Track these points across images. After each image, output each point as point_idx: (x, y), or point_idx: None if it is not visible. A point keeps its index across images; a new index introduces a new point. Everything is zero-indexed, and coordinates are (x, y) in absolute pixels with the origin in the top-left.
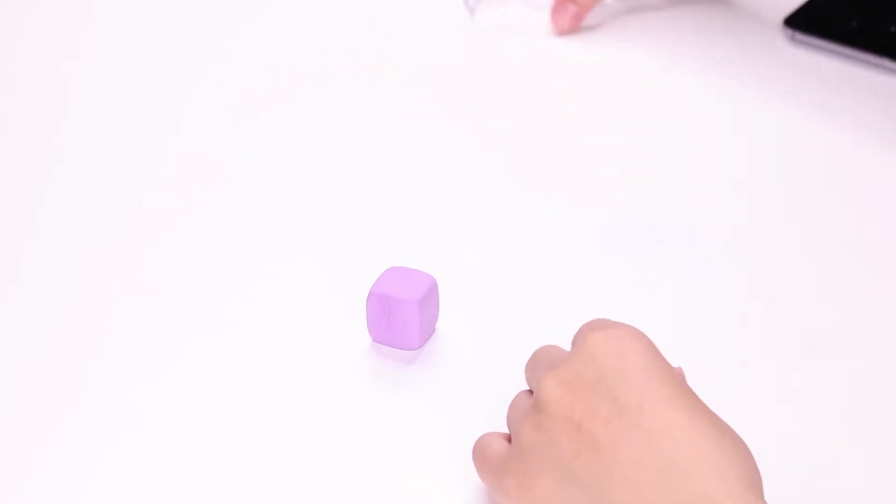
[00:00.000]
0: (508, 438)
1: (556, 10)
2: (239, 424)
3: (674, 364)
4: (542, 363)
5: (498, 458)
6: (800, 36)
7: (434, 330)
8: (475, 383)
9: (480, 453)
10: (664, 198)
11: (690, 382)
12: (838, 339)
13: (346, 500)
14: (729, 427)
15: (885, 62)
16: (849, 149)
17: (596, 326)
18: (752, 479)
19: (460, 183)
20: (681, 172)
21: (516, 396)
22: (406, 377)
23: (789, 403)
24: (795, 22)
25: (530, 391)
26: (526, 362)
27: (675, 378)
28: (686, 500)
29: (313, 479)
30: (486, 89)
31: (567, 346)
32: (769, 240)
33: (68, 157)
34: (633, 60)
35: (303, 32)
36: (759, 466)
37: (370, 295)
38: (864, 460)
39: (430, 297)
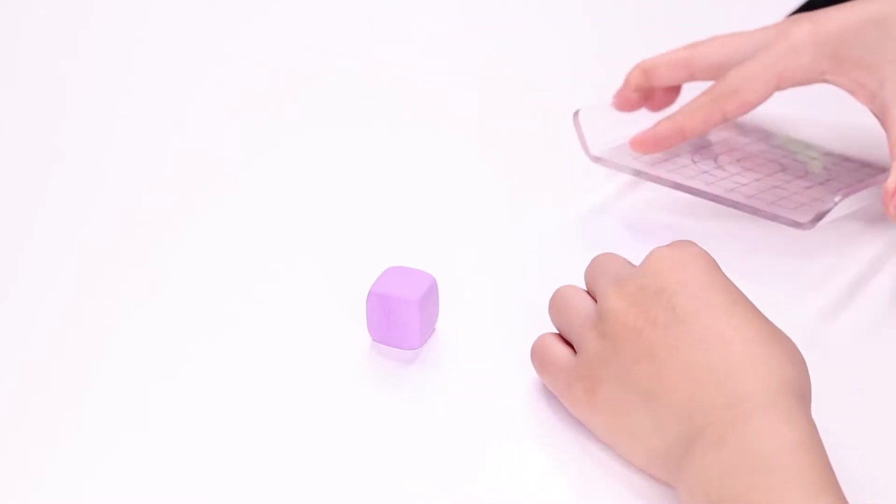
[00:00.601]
0: (560, 338)
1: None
2: (239, 424)
3: None
4: (605, 272)
5: (564, 365)
6: None
7: (434, 330)
8: (475, 383)
9: (543, 359)
10: (664, 198)
11: None
12: (839, 338)
13: (347, 500)
14: (784, 335)
15: None
16: (848, 147)
17: (663, 246)
18: (795, 383)
19: (460, 183)
20: None
21: (564, 291)
22: (406, 377)
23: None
24: None
25: (584, 291)
26: (586, 269)
27: (734, 290)
28: (724, 399)
29: (313, 478)
30: (486, 89)
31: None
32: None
33: (68, 157)
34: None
35: (303, 32)
36: None
37: (370, 295)
38: (863, 456)
39: (430, 297)
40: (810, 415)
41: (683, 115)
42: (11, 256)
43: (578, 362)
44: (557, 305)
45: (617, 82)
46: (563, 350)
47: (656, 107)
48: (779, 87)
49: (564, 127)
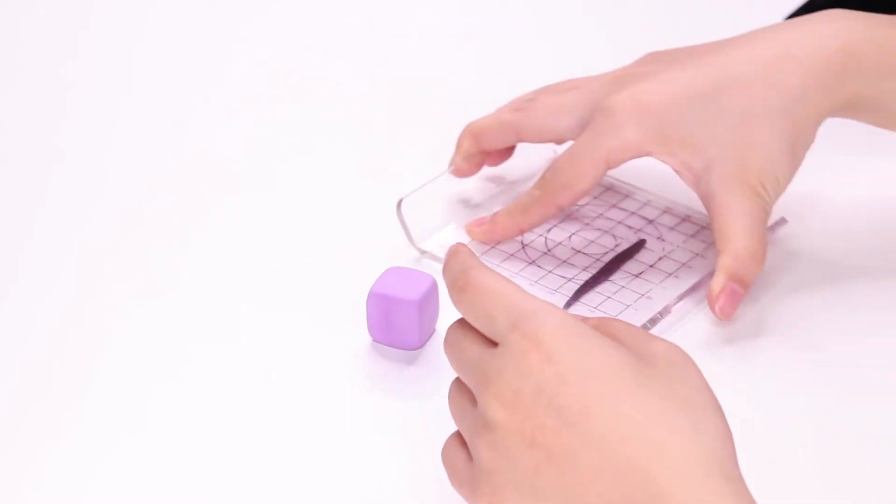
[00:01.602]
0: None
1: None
2: (239, 424)
3: None
4: (468, 364)
5: (466, 474)
6: None
7: (434, 330)
8: None
9: (450, 466)
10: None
11: None
12: (838, 340)
13: (346, 500)
14: (682, 396)
15: None
16: (848, 147)
17: (511, 320)
18: (715, 456)
19: (460, 183)
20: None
21: (454, 391)
22: (406, 377)
23: (787, 402)
24: None
25: (464, 384)
26: (444, 343)
27: (616, 359)
28: (648, 502)
29: (313, 478)
30: (486, 88)
31: None
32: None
33: (68, 157)
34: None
35: (303, 32)
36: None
37: (370, 295)
38: (863, 457)
39: (430, 297)
40: (741, 484)
41: (520, 212)
42: (11, 256)
43: (476, 472)
44: (449, 398)
45: None
46: (464, 457)
47: (495, 163)
48: (609, 168)
49: None
